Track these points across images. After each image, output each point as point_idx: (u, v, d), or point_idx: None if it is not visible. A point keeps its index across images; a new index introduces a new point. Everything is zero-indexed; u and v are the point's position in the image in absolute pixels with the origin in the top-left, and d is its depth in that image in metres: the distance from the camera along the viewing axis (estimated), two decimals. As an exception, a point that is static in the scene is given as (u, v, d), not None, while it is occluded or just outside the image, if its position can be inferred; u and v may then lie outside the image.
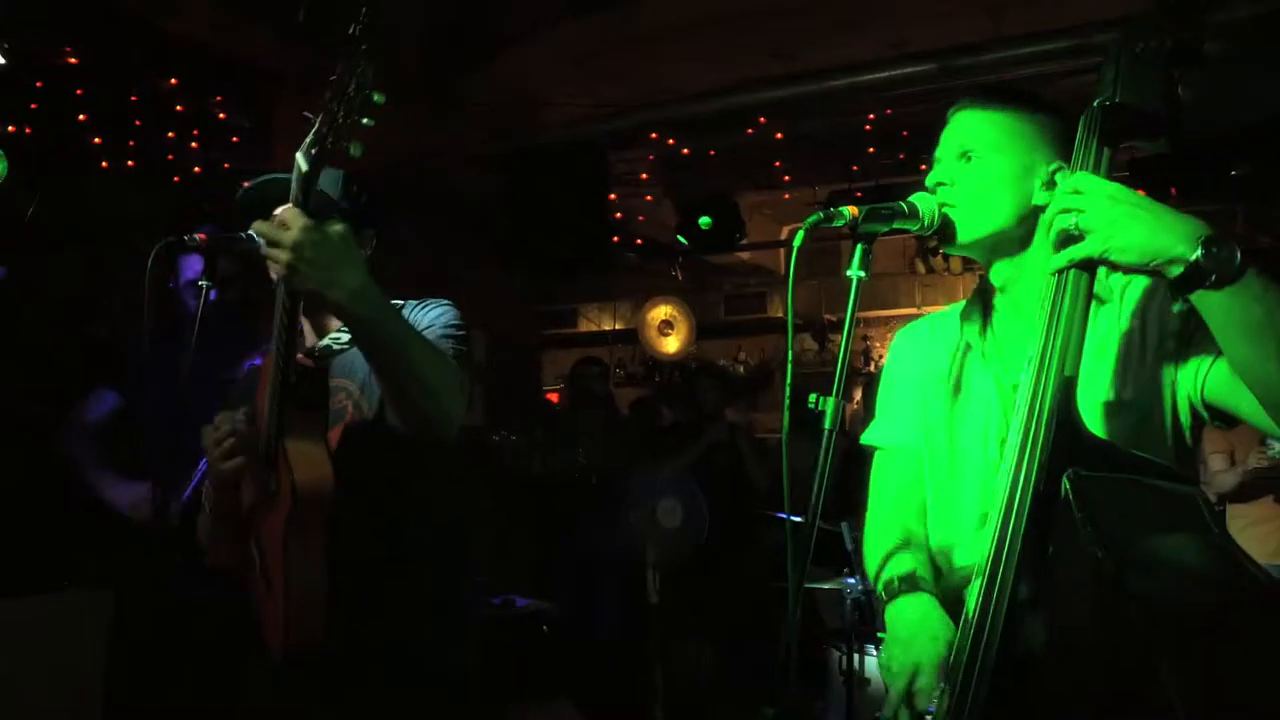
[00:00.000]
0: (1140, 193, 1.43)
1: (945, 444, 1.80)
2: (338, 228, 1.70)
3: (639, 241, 8.52)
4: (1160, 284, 1.60)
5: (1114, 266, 1.43)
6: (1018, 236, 1.72)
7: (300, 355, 1.96)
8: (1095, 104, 1.54)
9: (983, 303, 1.82)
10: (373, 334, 1.77)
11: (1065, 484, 1.36)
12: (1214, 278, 1.34)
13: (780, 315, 10.20)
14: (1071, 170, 1.54)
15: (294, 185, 1.68)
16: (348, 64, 1.58)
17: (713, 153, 6.77)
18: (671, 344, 9.75)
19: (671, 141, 6.48)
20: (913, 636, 1.62)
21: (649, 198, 7.69)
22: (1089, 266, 1.45)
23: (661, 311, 9.70)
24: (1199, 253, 1.34)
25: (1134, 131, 1.53)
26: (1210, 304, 1.38)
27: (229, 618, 2.20)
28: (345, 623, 1.90)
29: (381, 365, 1.82)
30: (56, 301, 4.65)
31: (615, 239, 7.71)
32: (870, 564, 1.86)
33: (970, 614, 1.43)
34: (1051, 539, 1.38)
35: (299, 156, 1.67)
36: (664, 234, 8.13)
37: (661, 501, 4.44)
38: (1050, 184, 1.68)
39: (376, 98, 1.58)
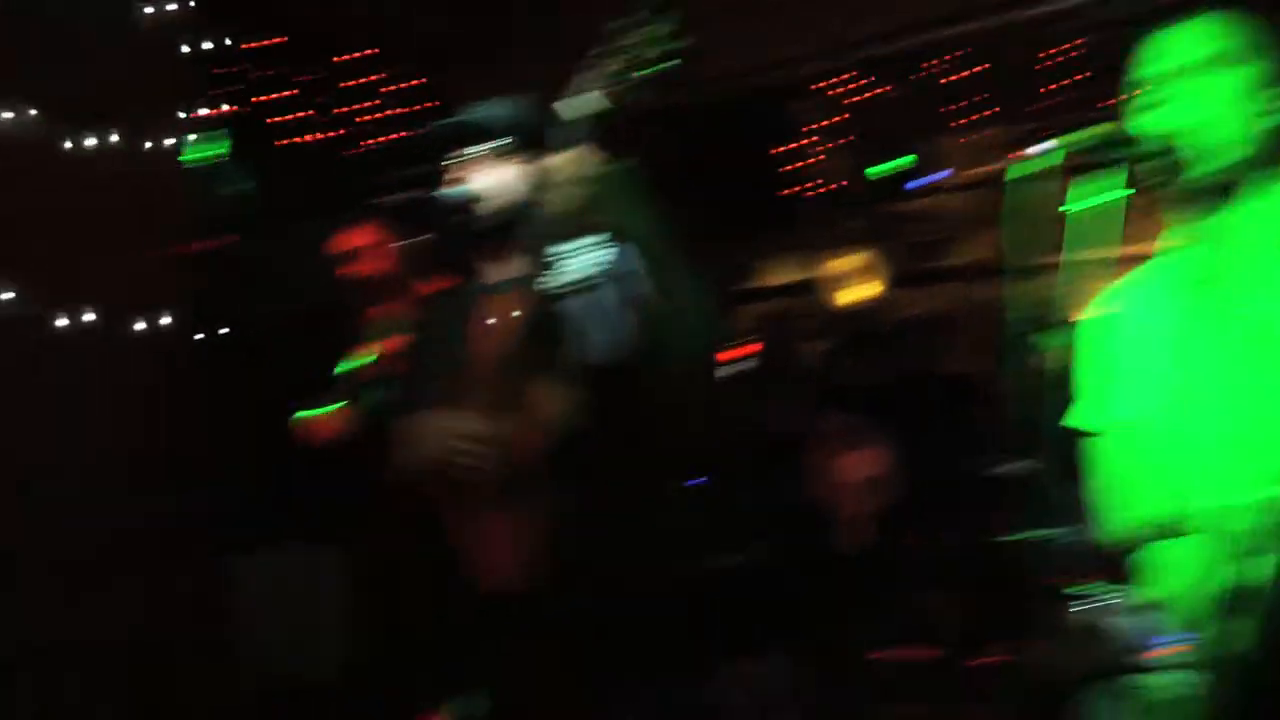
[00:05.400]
0: None
1: (1193, 406, 1.64)
2: (623, 166, 1.76)
3: (819, 191, 8.38)
4: None
5: None
6: (1244, 163, 1.57)
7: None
8: None
9: (1192, 251, 1.68)
10: (655, 261, 1.87)
11: None
12: None
13: (962, 262, 9.85)
14: None
15: (577, 128, 1.76)
16: (640, 18, 1.66)
17: (895, 96, 6.59)
18: (855, 295, 9.56)
19: (852, 86, 6.34)
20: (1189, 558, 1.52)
21: (829, 146, 7.55)
22: None
23: (843, 262, 9.51)
24: None
25: None
26: None
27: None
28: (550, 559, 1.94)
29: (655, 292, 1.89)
30: (276, 277, 4.89)
31: (794, 189, 7.61)
32: (1131, 520, 1.75)
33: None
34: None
35: (578, 101, 1.74)
36: (845, 182, 7.97)
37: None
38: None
39: (670, 47, 1.67)
